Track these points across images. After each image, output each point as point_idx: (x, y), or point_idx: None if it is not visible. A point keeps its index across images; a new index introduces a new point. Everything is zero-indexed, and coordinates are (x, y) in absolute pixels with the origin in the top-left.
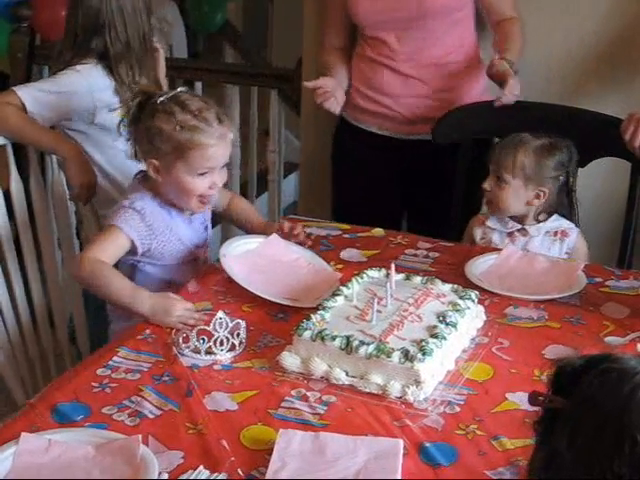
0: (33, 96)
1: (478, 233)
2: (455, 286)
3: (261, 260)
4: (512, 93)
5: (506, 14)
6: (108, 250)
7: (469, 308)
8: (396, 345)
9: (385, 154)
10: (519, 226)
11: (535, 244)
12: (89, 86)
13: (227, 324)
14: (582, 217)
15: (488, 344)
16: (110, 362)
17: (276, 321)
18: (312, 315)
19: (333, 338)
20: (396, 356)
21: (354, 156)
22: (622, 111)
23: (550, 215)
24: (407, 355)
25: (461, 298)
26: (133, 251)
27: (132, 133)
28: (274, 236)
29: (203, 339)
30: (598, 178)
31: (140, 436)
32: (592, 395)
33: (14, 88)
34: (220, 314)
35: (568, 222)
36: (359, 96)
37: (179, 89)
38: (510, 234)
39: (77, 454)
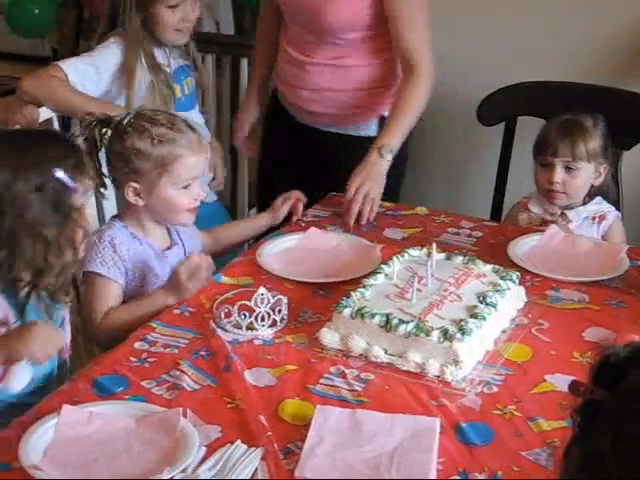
0: (75, 67)
1: (522, 220)
2: (496, 266)
3: (301, 253)
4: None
5: (412, 57)
6: (108, 300)
7: (509, 289)
8: (435, 324)
9: (294, 139)
10: (559, 210)
11: (574, 228)
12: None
13: (268, 300)
14: (626, 200)
15: (528, 325)
16: (148, 337)
17: (317, 297)
18: (352, 292)
19: (372, 316)
20: (435, 335)
21: (276, 133)
22: None
23: (593, 197)
24: (446, 334)
25: (502, 279)
26: None
27: (100, 161)
28: (313, 230)
29: (245, 314)
30: None
31: (180, 409)
32: (638, 396)
33: (57, 62)
34: (262, 290)
35: (609, 205)
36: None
37: (140, 106)
38: (551, 216)
39: (118, 426)
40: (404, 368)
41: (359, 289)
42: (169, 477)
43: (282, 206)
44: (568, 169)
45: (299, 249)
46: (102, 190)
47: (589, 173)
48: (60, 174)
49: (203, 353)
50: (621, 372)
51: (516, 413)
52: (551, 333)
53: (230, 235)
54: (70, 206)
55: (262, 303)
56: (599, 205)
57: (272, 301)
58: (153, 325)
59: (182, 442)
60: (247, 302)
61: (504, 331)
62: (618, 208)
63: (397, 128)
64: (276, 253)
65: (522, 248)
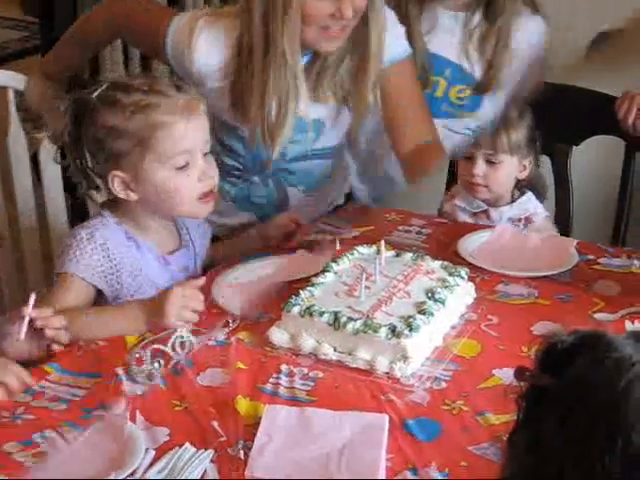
0: None
1: (447, 208)
2: (445, 263)
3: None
4: None
5: None
6: (69, 300)
7: (458, 285)
8: (383, 321)
9: None
10: (484, 207)
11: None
12: None
13: (192, 345)
14: (576, 195)
15: (477, 321)
16: (33, 388)
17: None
18: (301, 291)
19: (321, 314)
20: (383, 332)
21: None
22: (617, 91)
23: (522, 191)
24: (394, 331)
25: (450, 275)
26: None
27: (77, 156)
28: (299, 253)
29: (159, 362)
30: (592, 156)
31: (128, 413)
32: (585, 383)
33: None
34: (182, 331)
35: (536, 205)
36: None
37: (116, 75)
38: (474, 214)
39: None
40: (353, 365)
41: (308, 287)
42: None
43: (276, 229)
44: (490, 162)
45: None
46: (94, 193)
47: (512, 166)
48: None
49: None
50: (567, 358)
51: (464, 408)
52: (500, 328)
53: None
54: None
55: (182, 349)
56: (525, 205)
57: (197, 347)
58: (47, 369)
59: (130, 445)
60: (162, 347)
61: (453, 327)
62: (553, 201)
63: None
64: (242, 282)
65: (472, 244)
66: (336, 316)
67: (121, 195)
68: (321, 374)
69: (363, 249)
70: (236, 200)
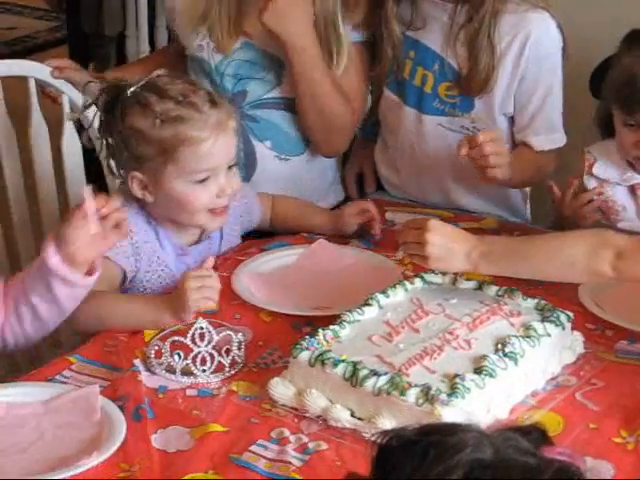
0: None
1: (591, 183)
2: (542, 302)
3: (296, 274)
4: None
5: None
6: (99, 285)
7: (549, 335)
8: (418, 379)
9: None
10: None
11: None
12: None
13: (211, 336)
14: None
15: (574, 386)
16: (57, 377)
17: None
18: (321, 330)
19: (336, 364)
20: (412, 394)
21: None
22: None
23: None
24: (427, 394)
25: (544, 320)
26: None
27: (106, 145)
28: (320, 243)
29: (178, 354)
30: None
31: (97, 385)
32: None
33: None
34: (202, 323)
35: None
36: None
37: (156, 72)
38: (633, 188)
39: (23, 412)
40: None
41: (335, 325)
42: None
43: (352, 219)
44: None
45: (295, 269)
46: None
47: None
48: None
49: (119, 404)
50: (399, 459)
51: None
52: (603, 398)
53: (286, 213)
54: None
55: (202, 340)
56: None
57: (217, 338)
58: (71, 359)
59: (107, 426)
60: (182, 339)
61: (535, 394)
62: None
63: None
64: (262, 272)
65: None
66: (355, 368)
67: (138, 195)
68: (324, 446)
69: (433, 276)
70: None
